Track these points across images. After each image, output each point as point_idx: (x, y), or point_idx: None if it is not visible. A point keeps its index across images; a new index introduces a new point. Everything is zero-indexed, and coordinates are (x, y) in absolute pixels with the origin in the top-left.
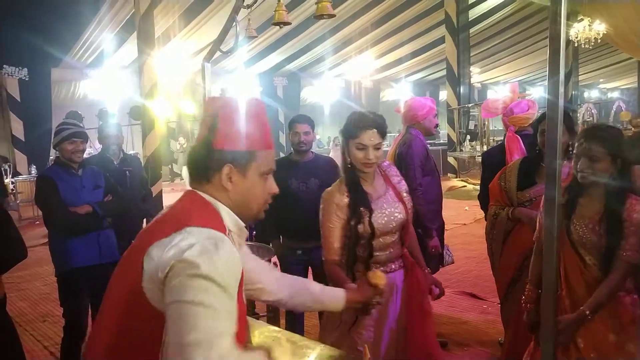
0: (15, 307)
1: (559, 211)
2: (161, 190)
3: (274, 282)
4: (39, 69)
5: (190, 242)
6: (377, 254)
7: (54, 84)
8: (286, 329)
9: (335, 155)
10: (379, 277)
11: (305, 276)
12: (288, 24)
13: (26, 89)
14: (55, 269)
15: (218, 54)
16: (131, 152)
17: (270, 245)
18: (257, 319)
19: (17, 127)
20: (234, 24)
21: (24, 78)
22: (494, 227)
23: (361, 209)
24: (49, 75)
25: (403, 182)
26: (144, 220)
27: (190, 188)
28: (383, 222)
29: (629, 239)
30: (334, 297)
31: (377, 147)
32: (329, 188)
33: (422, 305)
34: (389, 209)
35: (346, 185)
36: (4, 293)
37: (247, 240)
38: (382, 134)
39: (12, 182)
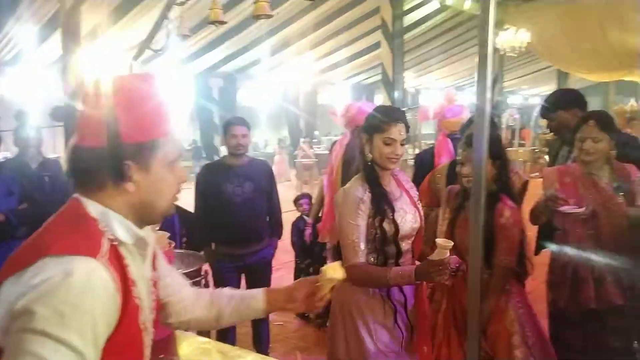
0: None
1: (485, 210)
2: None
3: (188, 300)
4: None
5: (40, 279)
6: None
7: None
8: (217, 339)
9: (281, 159)
10: (334, 269)
11: (239, 284)
12: (224, 23)
13: None
14: None
15: (149, 52)
16: (52, 155)
17: (202, 252)
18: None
19: None
20: (166, 21)
21: None
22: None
23: (384, 206)
24: None
25: (415, 189)
26: None
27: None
28: (403, 223)
29: (501, 244)
30: (250, 301)
31: (403, 143)
32: (347, 185)
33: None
34: (407, 212)
35: (367, 182)
36: None
37: (176, 247)
38: (408, 128)
39: None
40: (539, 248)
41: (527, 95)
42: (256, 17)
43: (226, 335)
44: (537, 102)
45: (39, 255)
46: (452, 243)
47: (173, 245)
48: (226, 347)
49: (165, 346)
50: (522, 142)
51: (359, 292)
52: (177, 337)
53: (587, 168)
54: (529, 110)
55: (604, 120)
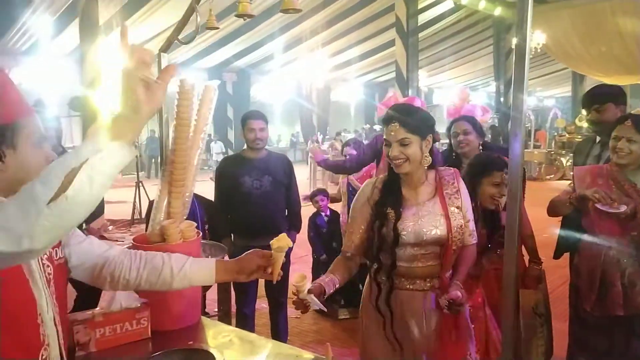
0: None
1: (520, 207)
2: None
3: (118, 261)
4: None
5: None
6: (402, 264)
7: None
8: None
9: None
10: (280, 240)
11: None
12: (252, 16)
13: None
14: None
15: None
16: (70, 146)
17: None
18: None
19: None
20: (195, 13)
21: None
22: None
23: (388, 210)
24: None
25: (459, 197)
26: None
27: None
28: (409, 230)
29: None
30: (201, 267)
31: (403, 143)
32: (370, 179)
33: (458, 344)
34: (423, 219)
35: (382, 182)
36: None
37: (201, 237)
38: (409, 127)
39: None
40: (559, 251)
41: (542, 97)
42: (284, 11)
43: (246, 324)
44: (552, 103)
45: None
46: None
47: (200, 235)
48: (252, 335)
49: (194, 333)
50: (537, 143)
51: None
52: (205, 326)
53: (622, 170)
54: (544, 111)
55: None
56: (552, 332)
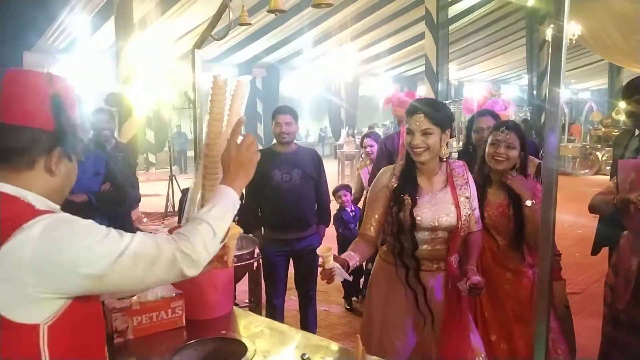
0: None
1: (555, 202)
2: (137, 179)
3: None
4: (9, 53)
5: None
6: (420, 247)
7: (25, 68)
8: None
9: (349, 148)
10: (231, 227)
11: (287, 268)
12: (283, 11)
13: None
14: None
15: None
16: None
17: (251, 235)
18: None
19: None
20: (228, 9)
21: None
22: None
23: (405, 196)
24: (20, 59)
25: (468, 188)
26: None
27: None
28: (423, 217)
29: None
30: None
31: (426, 133)
32: (384, 168)
33: (461, 321)
34: (436, 207)
35: (400, 170)
36: None
37: None
38: (433, 119)
39: None
40: (597, 246)
41: (577, 90)
42: (315, 5)
43: (275, 314)
44: (587, 96)
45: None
46: (329, 250)
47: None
48: (283, 326)
49: (226, 323)
50: (572, 137)
51: (385, 271)
52: (237, 316)
53: None
54: (578, 104)
55: None
56: None
